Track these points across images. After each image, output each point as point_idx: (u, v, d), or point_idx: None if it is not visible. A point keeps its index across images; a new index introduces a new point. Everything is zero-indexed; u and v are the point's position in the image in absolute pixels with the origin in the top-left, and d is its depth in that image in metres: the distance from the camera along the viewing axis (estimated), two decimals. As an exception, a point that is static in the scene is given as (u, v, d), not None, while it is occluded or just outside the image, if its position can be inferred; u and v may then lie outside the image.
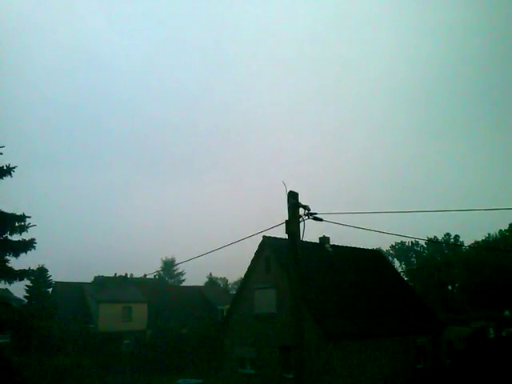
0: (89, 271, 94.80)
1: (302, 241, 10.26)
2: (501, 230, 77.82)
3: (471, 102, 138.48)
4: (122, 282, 54.27)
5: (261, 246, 26.31)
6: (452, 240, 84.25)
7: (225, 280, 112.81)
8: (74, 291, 50.64)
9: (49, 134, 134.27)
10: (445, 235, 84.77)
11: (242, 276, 29.51)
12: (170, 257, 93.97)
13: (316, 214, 10.43)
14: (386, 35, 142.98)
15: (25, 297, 43.34)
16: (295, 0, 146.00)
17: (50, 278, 44.57)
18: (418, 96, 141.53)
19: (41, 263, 42.01)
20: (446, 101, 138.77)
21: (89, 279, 55.06)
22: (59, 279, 48.93)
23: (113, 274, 55.84)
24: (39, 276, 40.76)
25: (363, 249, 33.57)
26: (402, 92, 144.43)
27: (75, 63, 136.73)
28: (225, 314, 38.30)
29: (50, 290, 45.64)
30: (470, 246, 76.82)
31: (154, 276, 70.95)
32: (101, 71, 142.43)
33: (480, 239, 78.62)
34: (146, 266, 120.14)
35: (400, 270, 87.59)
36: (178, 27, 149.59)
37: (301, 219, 10.24)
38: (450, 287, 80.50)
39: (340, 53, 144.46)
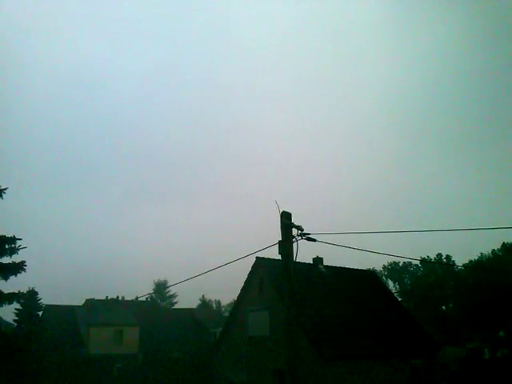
0: (80, 294, 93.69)
1: (295, 261, 10.20)
2: (493, 250, 77.84)
3: (464, 121, 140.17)
4: (114, 304, 53.69)
5: (254, 267, 26.14)
6: (444, 260, 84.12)
7: (218, 302, 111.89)
8: (65, 314, 49.97)
9: (41, 156, 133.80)
10: (437, 255, 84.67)
11: (235, 298, 29.27)
12: (162, 279, 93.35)
13: (309, 234, 10.39)
14: (385, 53, 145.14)
15: (14, 320, 42.62)
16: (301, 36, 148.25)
17: (41, 301, 44.03)
18: (411, 115, 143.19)
19: (31, 286, 41.52)
20: (440, 119, 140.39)
21: (80, 302, 54.50)
22: (50, 302, 48.38)
23: (104, 297, 55.29)
24: (29, 299, 40.24)
25: (357, 269, 33.43)
26: (395, 111, 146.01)
27: (70, 85, 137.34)
28: (217, 336, 37.84)
29: (40, 313, 44.97)
30: (463, 266, 76.80)
31: (146, 298, 70.40)
32: (97, 92, 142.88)
33: (473, 259, 78.64)
34: (138, 289, 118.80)
35: (393, 290, 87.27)
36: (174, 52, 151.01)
37: (294, 240, 10.19)
38: (443, 307, 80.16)
39: (338, 74, 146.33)
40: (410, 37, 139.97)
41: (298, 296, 10.99)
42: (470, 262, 76.87)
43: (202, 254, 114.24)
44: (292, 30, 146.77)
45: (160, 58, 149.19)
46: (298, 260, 10.30)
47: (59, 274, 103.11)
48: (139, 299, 58.90)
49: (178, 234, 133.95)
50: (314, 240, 10.60)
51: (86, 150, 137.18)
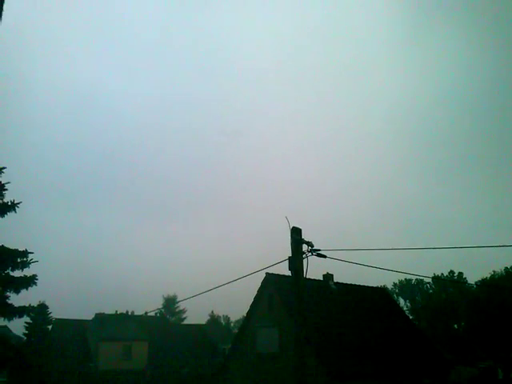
0: (90, 308, 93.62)
1: (305, 278, 10.17)
2: (506, 268, 76.84)
3: (476, 137, 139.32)
4: (123, 319, 53.63)
5: (263, 283, 26.05)
6: (456, 277, 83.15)
7: (227, 318, 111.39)
8: (75, 328, 49.96)
9: (54, 173, 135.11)
10: (449, 272, 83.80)
11: (244, 314, 29.12)
12: (171, 294, 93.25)
13: (319, 250, 10.37)
14: (388, 72, 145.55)
15: (24, 334, 42.72)
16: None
17: (51, 315, 44.10)
18: (421, 131, 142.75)
19: (42, 299, 41.66)
20: (450, 135, 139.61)
21: (90, 316, 54.47)
22: (60, 316, 48.41)
23: (114, 311, 55.27)
24: (39, 313, 40.32)
25: (368, 286, 33.15)
26: (405, 126, 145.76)
27: (84, 99, 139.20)
28: (226, 353, 37.59)
29: (49, 327, 45.04)
30: (475, 284, 75.83)
31: (155, 313, 70.25)
32: (102, 113, 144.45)
33: (485, 276, 77.64)
34: (148, 303, 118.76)
35: (405, 308, 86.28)
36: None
37: (304, 256, 10.19)
38: (456, 326, 79.01)
39: (344, 92, 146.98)
40: (420, 51, 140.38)
41: (308, 313, 10.93)
42: (483, 279, 75.92)
43: (212, 269, 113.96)
44: (300, 53, 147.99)
45: (167, 75, 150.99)
46: (308, 276, 10.27)
47: (70, 288, 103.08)
48: (148, 314, 58.88)
49: (188, 249, 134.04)
50: (325, 256, 10.58)
51: (101, 166, 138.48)
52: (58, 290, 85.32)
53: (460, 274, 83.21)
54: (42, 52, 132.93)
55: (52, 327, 45.84)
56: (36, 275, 21.67)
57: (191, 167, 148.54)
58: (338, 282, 29.65)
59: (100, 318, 52.11)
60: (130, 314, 57.14)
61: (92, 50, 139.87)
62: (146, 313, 57.71)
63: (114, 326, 50.43)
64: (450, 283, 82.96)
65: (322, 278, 29.24)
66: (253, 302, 26.88)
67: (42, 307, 41.43)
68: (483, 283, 72.63)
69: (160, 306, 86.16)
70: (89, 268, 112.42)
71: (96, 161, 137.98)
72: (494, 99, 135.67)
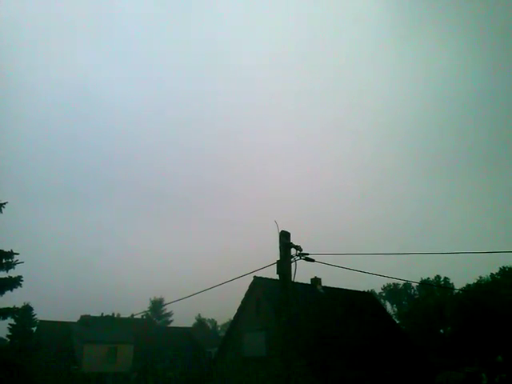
0: (75, 310, 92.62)
1: (293, 282, 10.11)
2: (492, 274, 77.44)
3: (463, 145, 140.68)
4: (109, 321, 53.10)
5: (251, 286, 25.96)
6: (442, 282, 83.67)
7: (214, 322, 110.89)
8: (60, 330, 49.26)
9: (40, 172, 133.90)
10: (435, 277, 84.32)
11: (232, 318, 28.97)
12: (158, 296, 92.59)
13: (308, 254, 10.31)
14: (381, 76, 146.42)
15: (8, 336, 42.07)
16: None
17: (35, 317, 43.48)
18: (410, 136, 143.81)
19: (26, 301, 41.08)
20: (439, 141, 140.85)
21: (75, 318, 53.89)
22: (44, 318, 47.76)
23: (100, 314, 54.72)
24: (24, 314, 39.74)
25: (355, 291, 33.21)
26: (392, 132, 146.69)
27: (70, 97, 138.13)
28: (213, 356, 37.36)
29: (34, 328, 44.40)
30: (461, 290, 76.38)
31: (142, 316, 69.64)
32: (94, 110, 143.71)
33: (472, 282, 78.20)
34: (134, 306, 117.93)
35: (392, 312, 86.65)
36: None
37: (292, 259, 10.12)
38: (442, 331, 79.43)
39: (335, 100, 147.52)
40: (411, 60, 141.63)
41: (296, 317, 10.87)
42: (469, 285, 76.51)
43: (200, 272, 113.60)
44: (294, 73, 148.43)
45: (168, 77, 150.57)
46: (296, 280, 10.21)
47: (55, 290, 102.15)
48: (135, 317, 58.37)
49: (176, 252, 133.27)
50: (313, 260, 10.52)
51: (86, 170, 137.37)
52: (44, 291, 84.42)
53: (446, 278, 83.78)
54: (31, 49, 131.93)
55: (36, 329, 45.20)
56: (21, 276, 21.38)
57: (179, 169, 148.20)
58: (325, 286, 29.65)
59: (85, 320, 51.58)
60: (115, 316, 56.62)
61: (86, 47, 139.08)
62: (133, 315, 57.25)
63: (99, 328, 49.90)
64: (437, 288, 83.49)
65: (309, 282, 29.21)
66: (240, 306, 26.76)
67: (27, 309, 40.81)
68: (469, 289, 73.20)
69: (147, 309, 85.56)
70: (75, 270, 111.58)
71: (86, 160, 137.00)
72: (484, 106, 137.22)
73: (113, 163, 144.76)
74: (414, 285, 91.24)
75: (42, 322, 46.41)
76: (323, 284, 29.56)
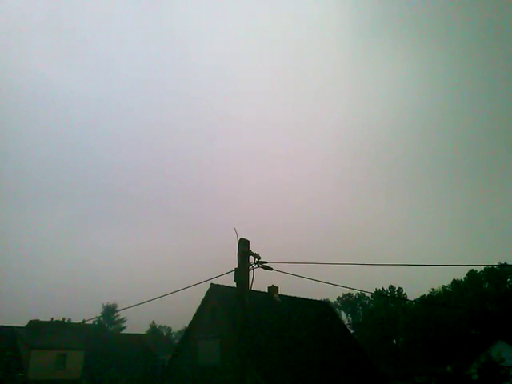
0: (24, 315, 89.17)
1: (250, 290, 9.96)
2: (444, 286, 79.77)
3: (418, 159, 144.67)
4: (59, 327, 51.35)
5: (208, 294, 25.67)
6: (396, 293, 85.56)
7: (168, 329, 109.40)
8: (5, 335, 47.25)
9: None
10: (389, 287, 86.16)
11: (187, 325, 28.55)
12: (111, 302, 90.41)
13: (266, 262, 10.20)
14: (339, 90, 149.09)
15: None
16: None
17: (-21, 321, 41.61)
18: (368, 148, 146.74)
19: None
20: (394, 155, 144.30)
21: (22, 323, 51.85)
22: (-12, 322, 45.76)
23: (49, 319, 52.91)
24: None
25: (311, 300, 33.39)
26: (356, 147, 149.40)
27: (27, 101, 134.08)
28: (166, 363, 36.68)
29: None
30: (414, 301, 78.25)
31: (94, 322, 67.97)
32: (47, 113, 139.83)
33: (424, 294, 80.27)
34: (86, 311, 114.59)
35: (346, 322, 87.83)
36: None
37: (250, 267, 9.98)
38: (394, 341, 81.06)
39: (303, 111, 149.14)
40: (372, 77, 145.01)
41: (252, 325, 10.73)
42: (422, 297, 78.48)
43: (155, 278, 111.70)
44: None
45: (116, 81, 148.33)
46: (253, 288, 10.08)
47: (1, 293, 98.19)
48: (86, 322, 56.82)
49: (131, 257, 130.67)
50: (271, 269, 10.41)
51: (46, 169, 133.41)
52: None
53: (400, 289, 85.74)
54: None
55: (-21, 334, 43.26)
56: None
57: (138, 173, 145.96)
58: (282, 295, 29.64)
59: (34, 325, 49.68)
60: (66, 321, 54.88)
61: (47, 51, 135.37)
62: (84, 321, 55.70)
63: (48, 333, 48.15)
64: (391, 299, 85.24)
65: (267, 291, 29.14)
66: (196, 313, 26.42)
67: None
68: (422, 300, 75.06)
69: (99, 314, 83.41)
70: (24, 272, 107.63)
71: (39, 163, 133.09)
72: (444, 120, 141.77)
73: (59, 166, 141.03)
74: (368, 295, 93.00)
75: (-15, 326, 44.50)
76: (281, 292, 29.54)
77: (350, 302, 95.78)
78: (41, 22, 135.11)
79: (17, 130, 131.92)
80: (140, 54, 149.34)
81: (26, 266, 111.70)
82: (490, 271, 73.22)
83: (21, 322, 53.16)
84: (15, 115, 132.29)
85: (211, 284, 24.75)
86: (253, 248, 10.08)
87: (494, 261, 66.35)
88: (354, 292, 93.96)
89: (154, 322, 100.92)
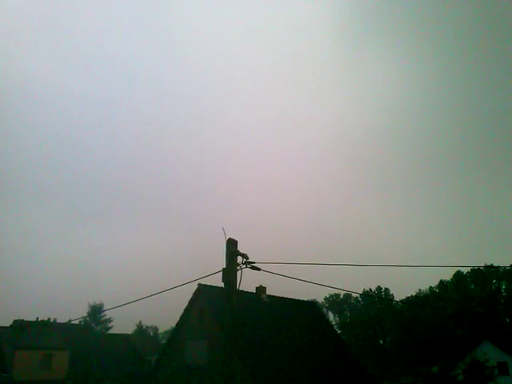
0: (8, 314, 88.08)
1: (238, 290, 9.91)
2: (431, 287, 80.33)
3: (409, 161, 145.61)
4: (44, 327, 50.86)
5: (195, 294, 25.53)
6: (383, 293, 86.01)
7: (155, 329, 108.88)
8: (-12, 335, 46.69)
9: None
10: (376, 288, 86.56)
11: (174, 325, 28.38)
12: (97, 302, 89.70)
13: (254, 262, 10.18)
14: (329, 94, 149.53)
15: None
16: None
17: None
18: (361, 149, 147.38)
19: None
20: (387, 155, 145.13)
21: (7, 323, 51.27)
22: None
23: (34, 318, 52.37)
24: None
25: (299, 300, 33.39)
26: (343, 152, 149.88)
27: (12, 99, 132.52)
28: (153, 364, 36.46)
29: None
30: (401, 302, 78.74)
31: (80, 322, 67.36)
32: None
33: (411, 294, 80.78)
34: (72, 311, 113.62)
35: (334, 322, 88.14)
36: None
37: (238, 268, 9.94)
38: (381, 341, 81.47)
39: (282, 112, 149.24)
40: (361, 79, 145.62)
41: (239, 326, 10.68)
42: (408, 297, 78.99)
43: (142, 278, 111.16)
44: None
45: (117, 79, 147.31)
46: (241, 288, 10.03)
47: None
48: (72, 322, 56.32)
49: (117, 256, 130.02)
50: (259, 269, 10.39)
51: (34, 166, 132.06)
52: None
53: (386, 289, 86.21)
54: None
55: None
56: None
57: (128, 172, 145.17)
58: (270, 295, 29.58)
59: (18, 325, 49.13)
60: (51, 321, 54.36)
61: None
62: (70, 321, 55.20)
63: (33, 333, 47.67)
64: (378, 299, 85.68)
65: (255, 291, 29.07)
66: (183, 313, 26.27)
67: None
68: (409, 301, 75.55)
69: (85, 314, 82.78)
70: (9, 271, 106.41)
71: (39, 163, 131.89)
72: (425, 122, 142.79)
73: (59, 166, 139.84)
74: (355, 295, 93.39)
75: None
76: (269, 293, 29.48)
77: (337, 302, 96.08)
78: (41, 22, 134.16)
79: (17, 130, 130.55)
80: (139, 55, 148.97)
81: (11, 264, 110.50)
82: (475, 272, 73.93)
83: (5, 321, 52.68)
84: (15, 115, 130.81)
85: (199, 284, 24.63)
86: (241, 248, 10.05)
87: (480, 262, 67.07)
88: (342, 292, 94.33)
89: (140, 322, 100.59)
